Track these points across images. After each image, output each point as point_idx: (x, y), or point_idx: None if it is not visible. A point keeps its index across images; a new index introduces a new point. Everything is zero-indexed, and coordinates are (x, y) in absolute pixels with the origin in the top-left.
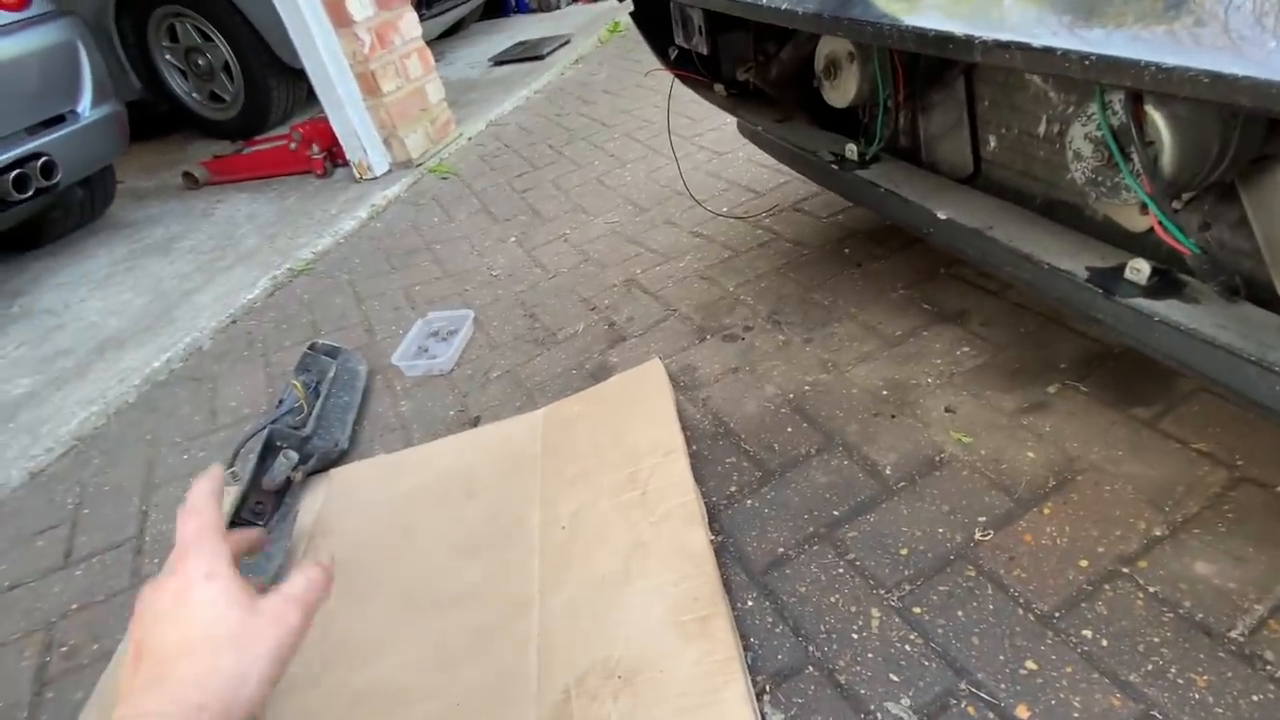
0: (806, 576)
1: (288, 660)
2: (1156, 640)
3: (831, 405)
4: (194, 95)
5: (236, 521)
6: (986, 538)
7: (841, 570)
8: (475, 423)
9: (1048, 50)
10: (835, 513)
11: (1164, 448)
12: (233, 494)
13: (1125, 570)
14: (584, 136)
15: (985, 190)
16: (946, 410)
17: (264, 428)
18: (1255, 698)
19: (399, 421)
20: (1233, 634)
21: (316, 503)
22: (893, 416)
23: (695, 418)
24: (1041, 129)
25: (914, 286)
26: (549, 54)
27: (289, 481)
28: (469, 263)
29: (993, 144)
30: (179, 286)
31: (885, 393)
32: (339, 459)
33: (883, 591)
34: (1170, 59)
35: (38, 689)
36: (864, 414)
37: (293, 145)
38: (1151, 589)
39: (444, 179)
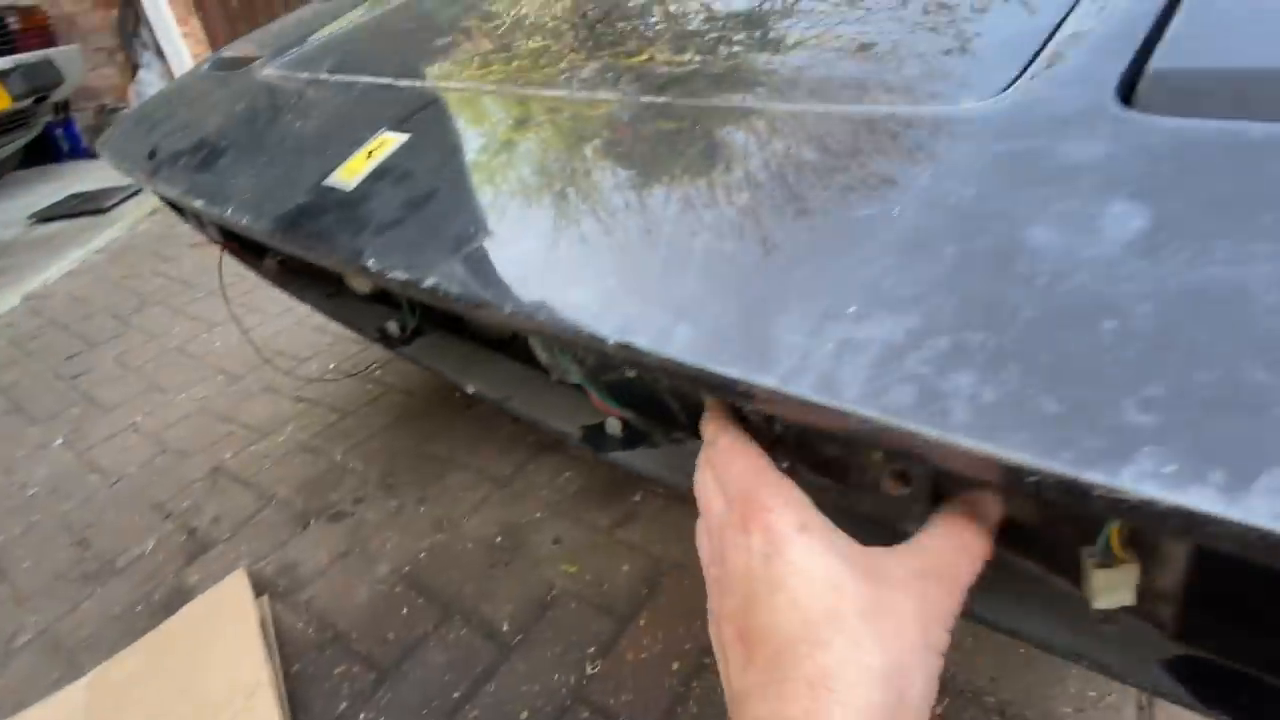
0: None
1: (942, 650)
2: None
3: (448, 568)
4: None
5: None
6: (596, 670)
7: None
8: None
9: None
10: (455, 695)
11: None
12: None
13: (708, 661)
14: (161, 300)
15: (521, 353)
16: (555, 542)
17: None
18: None
19: None
20: None
21: None
22: (507, 564)
23: (296, 628)
24: None
25: (519, 421)
26: (114, 206)
27: None
28: None
29: None
30: None
31: (499, 539)
32: None
33: None
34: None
35: None
36: (480, 569)
37: None
38: None
39: None
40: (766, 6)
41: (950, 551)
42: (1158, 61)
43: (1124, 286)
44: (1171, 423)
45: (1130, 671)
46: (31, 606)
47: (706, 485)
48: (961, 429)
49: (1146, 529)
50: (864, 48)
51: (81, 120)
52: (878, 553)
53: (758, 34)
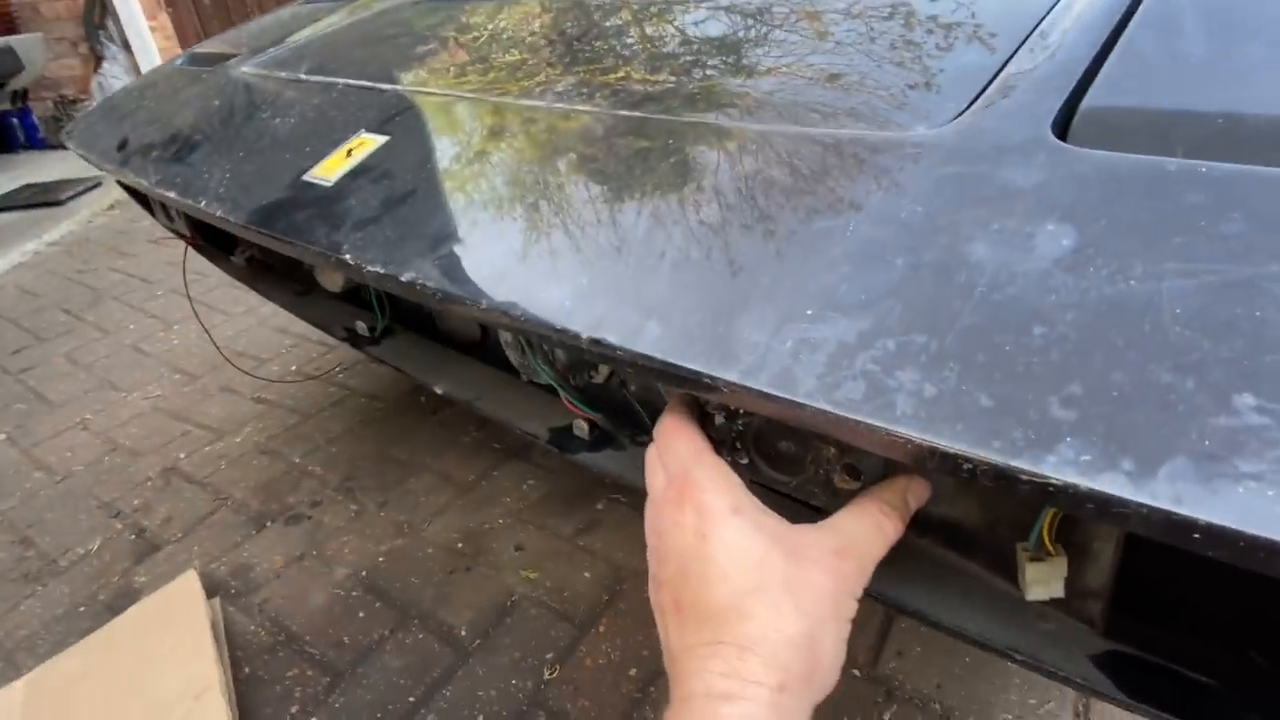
0: None
1: (850, 618)
2: None
3: (407, 573)
4: None
5: None
6: (554, 675)
7: None
8: None
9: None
10: (411, 699)
11: None
12: None
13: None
14: (116, 295)
15: (490, 356)
16: (516, 549)
17: None
18: None
19: None
20: None
21: None
22: (468, 569)
23: (249, 630)
24: None
25: (484, 428)
26: (70, 199)
27: None
28: None
29: None
30: None
31: (460, 545)
32: None
33: None
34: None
35: None
36: (440, 574)
37: None
38: None
39: None
40: (740, 35)
41: (863, 532)
42: (1090, 100)
43: (1052, 297)
44: (1089, 417)
45: (1062, 666)
46: None
47: (651, 462)
48: (904, 421)
49: (1069, 513)
50: (830, 77)
51: (39, 111)
52: (800, 531)
53: (731, 60)
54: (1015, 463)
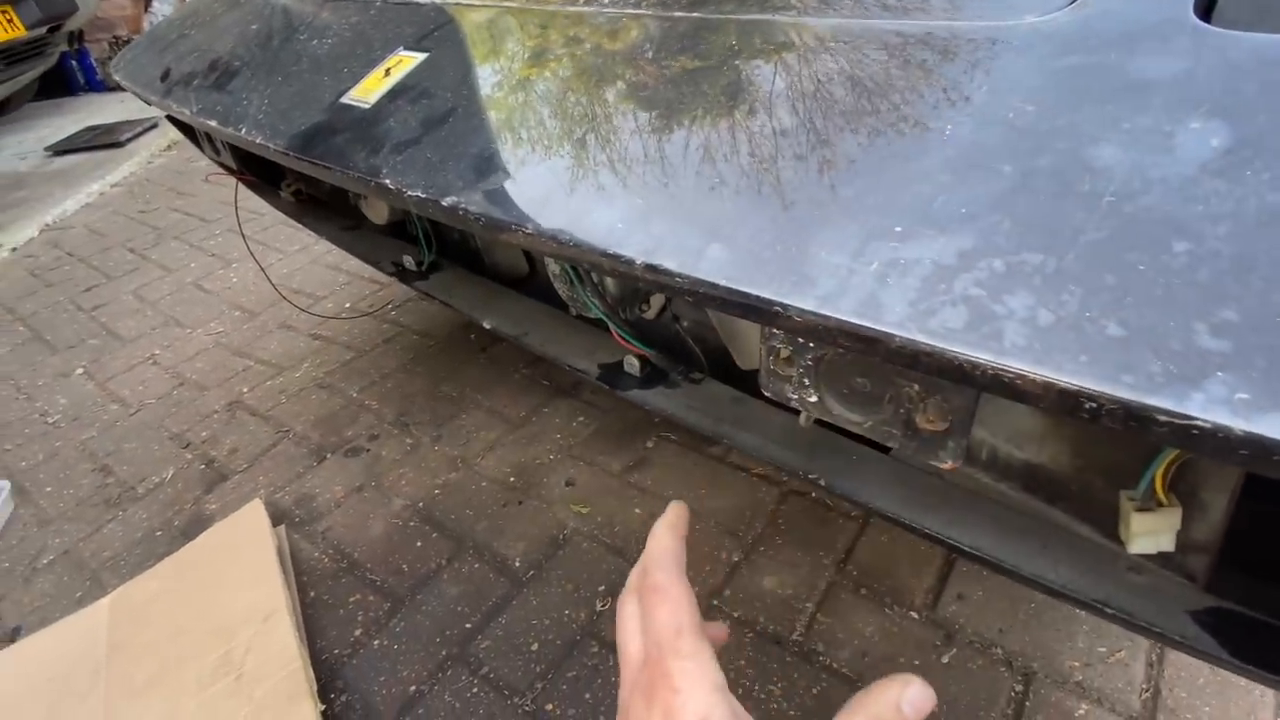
0: (441, 710)
1: None
2: (743, 663)
3: (462, 505)
4: None
5: None
6: (606, 608)
7: (476, 690)
8: (14, 636)
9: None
10: (468, 625)
11: (734, 478)
12: None
13: (715, 604)
14: (177, 235)
15: (537, 291)
16: (567, 484)
17: None
18: (815, 690)
19: None
20: (794, 636)
21: None
22: (520, 502)
23: (313, 557)
24: None
25: (533, 365)
26: (130, 140)
27: None
28: (11, 411)
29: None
30: None
31: (513, 479)
32: None
33: (516, 699)
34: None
35: None
36: (493, 507)
37: None
38: (735, 614)
39: None
40: None
41: None
42: None
43: (1199, 207)
44: (1246, 348)
45: (1158, 622)
46: (55, 529)
47: (626, 621)
48: (1015, 353)
49: (1212, 459)
50: None
51: (96, 52)
52: None
53: None
54: (1153, 401)
